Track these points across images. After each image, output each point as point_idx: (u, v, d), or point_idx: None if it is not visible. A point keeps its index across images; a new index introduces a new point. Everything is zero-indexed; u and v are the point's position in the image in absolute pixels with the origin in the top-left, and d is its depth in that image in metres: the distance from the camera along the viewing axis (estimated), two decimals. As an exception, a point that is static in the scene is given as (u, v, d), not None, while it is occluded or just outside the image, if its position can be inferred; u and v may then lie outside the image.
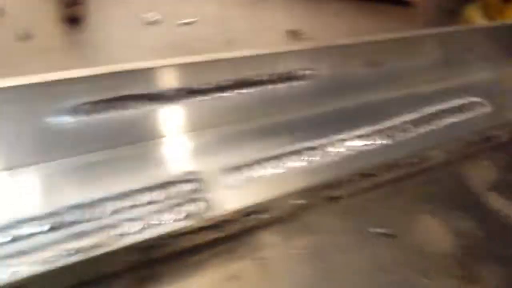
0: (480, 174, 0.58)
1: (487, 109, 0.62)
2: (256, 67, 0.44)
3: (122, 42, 0.54)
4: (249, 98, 0.44)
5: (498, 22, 0.79)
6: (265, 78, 0.45)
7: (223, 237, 0.44)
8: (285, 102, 0.47)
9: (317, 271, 0.45)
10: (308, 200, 0.48)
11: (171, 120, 0.42)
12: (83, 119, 0.37)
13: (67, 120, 0.36)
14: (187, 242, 0.42)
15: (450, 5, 0.86)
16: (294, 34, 0.64)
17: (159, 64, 0.37)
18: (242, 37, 0.60)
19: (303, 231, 0.47)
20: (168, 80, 0.39)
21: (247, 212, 0.43)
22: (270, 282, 0.43)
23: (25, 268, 0.33)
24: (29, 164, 0.38)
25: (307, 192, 0.47)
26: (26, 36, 0.48)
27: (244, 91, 0.43)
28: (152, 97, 0.39)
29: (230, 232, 0.44)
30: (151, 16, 0.59)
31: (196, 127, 0.43)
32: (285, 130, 0.47)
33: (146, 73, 0.37)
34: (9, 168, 0.37)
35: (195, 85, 0.40)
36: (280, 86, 0.46)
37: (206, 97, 0.41)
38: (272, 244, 0.46)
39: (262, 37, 0.64)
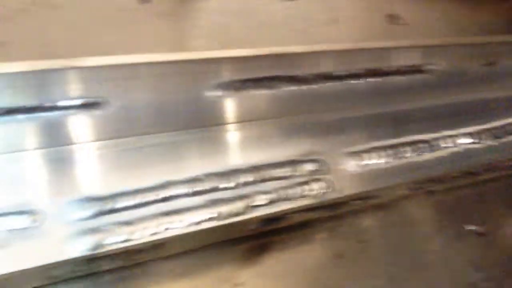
0: None
1: None
2: (384, 59, 0.45)
3: (229, 13, 0.55)
4: (373, 86, 0.45)
5: None
6: (388, 69, 0.46)
7: (330, 216, 0.46)
8: (404, 94, 0.48)
9: (412, 260, 0.47)
10: (411, 192, 0.49)
11: (302, 101, 0.43)
12: (230, 94, 0.39)
13: (217, 94, 0.38)
14: (300, 218, 0.44)
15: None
16: (392, 18, 0.63)
17: (304, 50, 0.38)
18: (343, 18, 0.60)
19: (402, 220, 0.49)
20: (309, 65, 0.40)
21: (359, 197, 0.45)
22: (370, 265, 0.45)
23: (176, 227, 0.36)
24: (174, 130, 0.40)
25: (413, 184, 0.48)
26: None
27: (370, 80, 0.44)
28: (293, 80, 0.40)
29: (338, 212, 0.46)
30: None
31: (322, 109, 0.45)
32: (402, 121, 0.48)
33: (291, 57, 0.39)
34: (156, 133, 0.39)
35: (331, 71, 0.41)
36: (401, 78, 0.47)
37: (338, 83, 0.42)
38: (374, 229, 0.48)
39: (363, 19, 0.63)
